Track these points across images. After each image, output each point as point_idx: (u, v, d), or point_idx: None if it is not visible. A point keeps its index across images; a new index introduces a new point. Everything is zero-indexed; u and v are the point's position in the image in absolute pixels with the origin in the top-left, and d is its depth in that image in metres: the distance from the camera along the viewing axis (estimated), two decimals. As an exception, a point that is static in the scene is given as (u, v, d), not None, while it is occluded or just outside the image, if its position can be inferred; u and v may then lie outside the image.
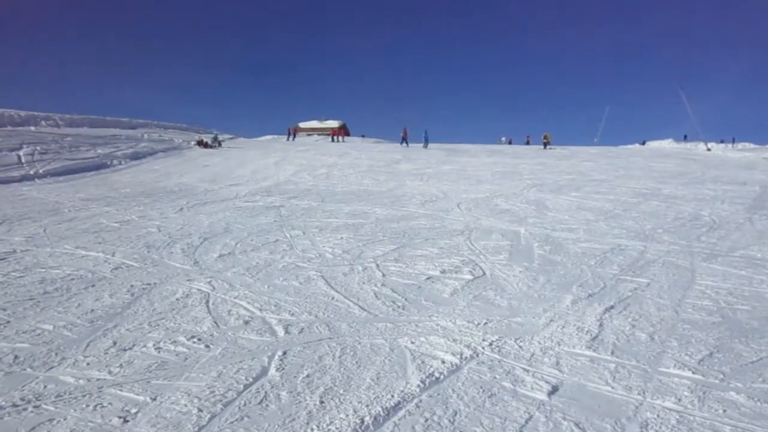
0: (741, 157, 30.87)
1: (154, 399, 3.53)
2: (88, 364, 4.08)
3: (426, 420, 3.32)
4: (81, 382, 3.77)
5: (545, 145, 37.63)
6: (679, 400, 3.59)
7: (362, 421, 3.26)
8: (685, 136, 47.92)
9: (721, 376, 3.97)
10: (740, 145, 42.96)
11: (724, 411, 3.46)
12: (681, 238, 9.04)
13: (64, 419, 3.29)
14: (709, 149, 39.43)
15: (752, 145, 42.43)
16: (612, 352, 4.40)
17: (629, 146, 47.79)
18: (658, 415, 3.39)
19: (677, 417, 3.37)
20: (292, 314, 5.25)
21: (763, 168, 23.40)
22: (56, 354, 4.25)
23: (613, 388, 3.78)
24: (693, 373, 4.02)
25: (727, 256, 7.83)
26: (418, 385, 3.76)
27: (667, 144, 47.97)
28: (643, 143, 51.41)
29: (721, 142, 45.05)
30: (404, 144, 37.08)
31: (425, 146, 35.28)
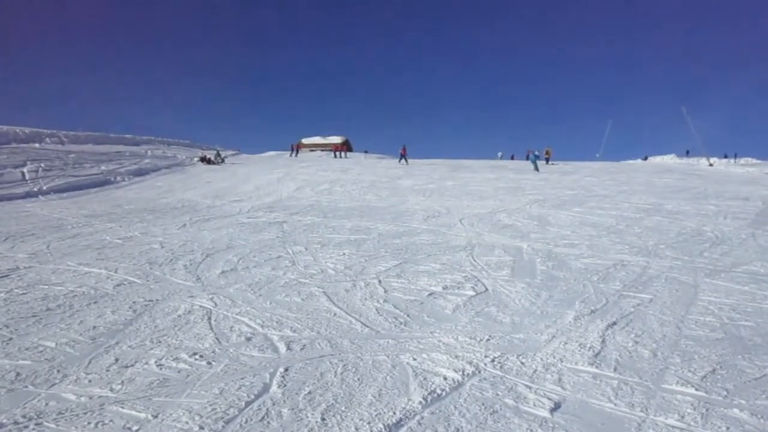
0: (743, 173, 30.86)
1: (156, 416, 3.52)
2: (89, 381, 4.08)
3: (428, 437, 3.31)
4: (83, 399, 3.77)
5: (547, 160, 37.69)
6: (682, 417, 3.57)
7: (364, 439, 3.25)
8: (688, 152, 48.02)
9: (724, 392, 3.95)
10: (743, 161, 43.02)
11: (728, 428, 3.44)
12: (684, 254, 9.02)
13: (66, 437, 3.29)
14: (711, 164, 39.45)
15: (755, 161, 42.48)
16: (615, 369, 4.38)
17: (631, 161, 47.82)
18: (661, 433, 3.37)
19: (680, 434, 3.35)
20: (294, 331, 5.25)
21: (765, 183, 23.37)
22: (58, 371, 4.25)
23: (615, 405, 3.76)
24: (696, 389, 4.00)
25: (730, 271, 7.81)
26: (420, 402, 3.75)
27: (669, 159, 48.01)
28: (645, 158, 51.44)
29: (725, 157, 45.09)
30: (403, 161, 35.45)
31: (536, 169, 30.14)
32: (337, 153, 46.98)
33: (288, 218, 13.29)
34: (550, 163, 36.97)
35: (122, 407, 3.65)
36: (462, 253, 9.12)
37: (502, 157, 49.26)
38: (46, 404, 3.69)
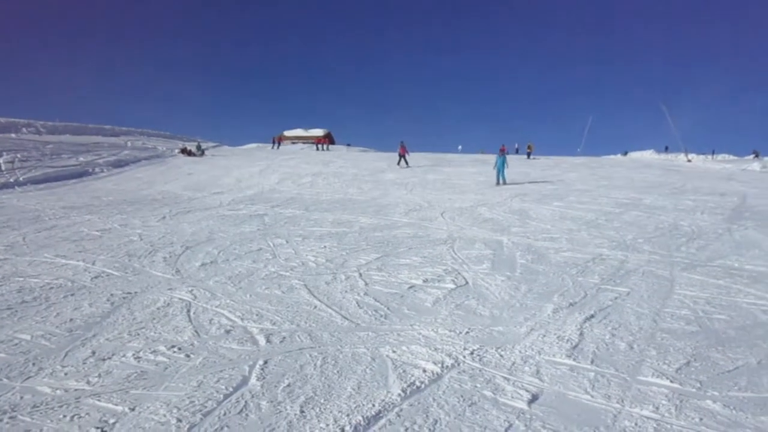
0: (720, 169, 31.30)
1: (133, 409, 3.50)
2: (65, 374, 4.03)
3: (406, 429, 3.32)
4: (58, 392, 3.73)
5: (528, 155, 37.93)
6: (657, 408, 3.63)
7: (342, 431, 3.26)
8: (667, 147, 48.48)
9: (698, 384, 4.02)
10: (720, 157, 43.56)
11: (701, 419, 3.50)
12: (661, 248, 9.14)
13: (41, 430, 3.25)
14: (689, 160, 39.92)
15: (731, 157, 43.06)
16: (592, 361, 4.43)
17: (612, 156, 48.25)
18: (635, 424, 3.42)
19: (655, 425, 3.41)
20: (274, 323, 5.23)
21: (741, 179, 23.73)
22: (33, 364, 4.20)
23: (592, 396, 3.81)
24: (671, 381, 4.06)
25: (706, 265, 7.93)
26: (399, 394, 3.76)
27: (648, 155, 48.48)
28: (625, 153, 51.92)
29: (703, 154, 45.63)
30: (403, 164, 27.66)
31: (499, 179, 20.33)
32: (319, 146, 46.81)
33: (269, 211, 13.23)
34: (531, 157, 37.19)
35: (99, 400, 3.61)
36: (443, 246, 9.15)
37: (461, 151, 49.25)
38: (21, 397, 3.65)
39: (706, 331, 5.21)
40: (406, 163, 27.81)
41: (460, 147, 51.23)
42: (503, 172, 20.32)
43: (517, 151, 45.81)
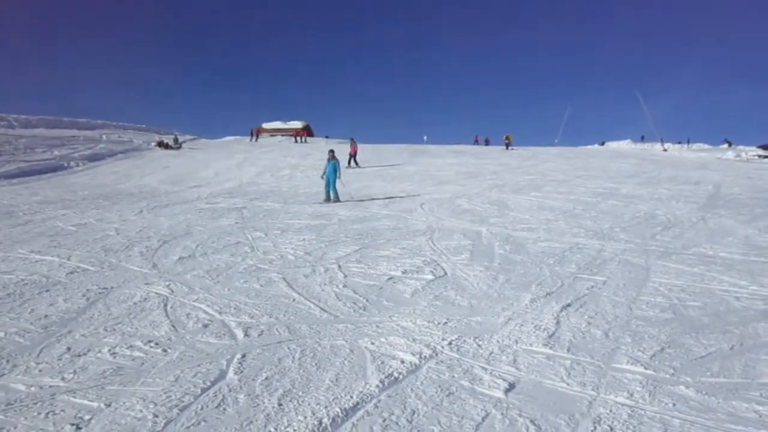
0: (696, 158, 31.76)
1: (109, 405, 3.46)
2: (40, 370, 3.98)
3: (384, 420, 3.33)
4: (33, 389, 3.68)
5: (507, 145, 38.08)
6: (631, 395, 3.68)
7: (320, 423, 3.26)
8: (643, 137, 48.94)
9: (672, 371, 4.09)
10: (695, 146, 44.10)
11: (674, 405, 3.56)
12: (637, 237, 9.25)
13: (15, 428, 3.21)
14: (665, 150, 40.40)
15: (706, 146, 43.63)
16: (568, 350, 4.48)
17: (589, 147, 48.65)
18: (610, 410, 3.47)
19: (629, 412, 3.46)
20: (252, 317, 5.21)
21: (716, 168, 24.10)
22: (7, 361, 4.14)
23: (568, 384, 3.86)
24: (645, 368, 4.12)
25: (681, 254, 8.05)
26: (377, 386, 3.77)
27: (625, 144, 48.93)
28: (602, 144, 52.37)
29: (678, 143, 46.18)
30: (353, 164, 24.03)
31: (329, 195, 14.46)
32: (298, 138, 46.56)
33: (248, 204, 13.16)
34: (510, 148, 37.36)
35: (74, 396, 3.57)
36: (422, 237, 9.17)
37: (426, 141, 48.90)
38: (-6, 395, 3.59)
39: (680, 318, 5.29)
40: (356, 163, 24.10)
41: (425, 137, 50.81)
42: (333, 183, 14.33)
43: (476, 142, 45.82)
